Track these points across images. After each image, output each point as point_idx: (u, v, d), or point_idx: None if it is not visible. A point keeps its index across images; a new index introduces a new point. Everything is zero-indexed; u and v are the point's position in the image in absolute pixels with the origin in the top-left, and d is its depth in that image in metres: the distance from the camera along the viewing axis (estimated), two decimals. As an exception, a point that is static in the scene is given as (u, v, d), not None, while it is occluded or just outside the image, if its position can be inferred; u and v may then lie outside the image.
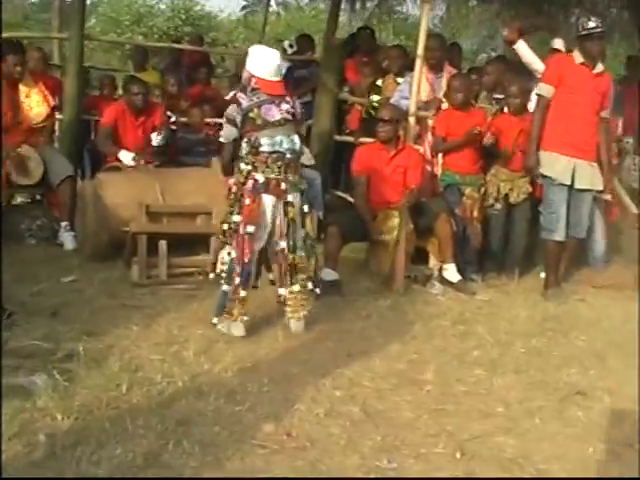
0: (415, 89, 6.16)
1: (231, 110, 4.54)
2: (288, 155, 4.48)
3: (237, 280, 4.44)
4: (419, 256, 6.01)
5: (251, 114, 4.45)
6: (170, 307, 4.93)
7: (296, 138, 4.55)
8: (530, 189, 6.07)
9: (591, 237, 6.18)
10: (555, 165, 5.63)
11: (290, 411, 3.51)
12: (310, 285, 4.65)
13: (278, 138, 4.45)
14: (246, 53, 4.69)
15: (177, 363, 3.97)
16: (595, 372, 4.31)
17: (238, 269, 4.44)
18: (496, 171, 6.11)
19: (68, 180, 6.26)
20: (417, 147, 6.28)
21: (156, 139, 6.49)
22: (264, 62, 4.54)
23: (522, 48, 6.50)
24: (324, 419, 3.48)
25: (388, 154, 5.92)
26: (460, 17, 15.78)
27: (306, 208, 4.63)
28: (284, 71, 4.68)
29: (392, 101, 6.53)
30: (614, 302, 5.75)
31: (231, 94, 4.61)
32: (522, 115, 6.02)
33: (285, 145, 4.47)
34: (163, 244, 5.48)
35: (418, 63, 6.11)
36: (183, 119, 7.37)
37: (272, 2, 17.63)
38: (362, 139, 6.96)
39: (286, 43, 9.97)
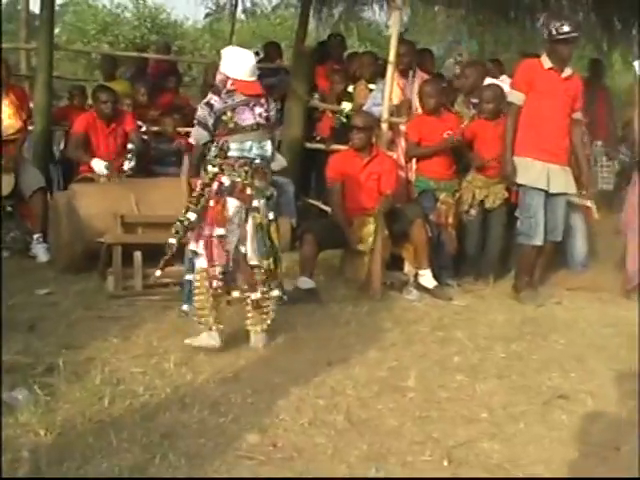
0: (387, 95, 6.17)
1: (202, 113, 4.41)
2: (257, 161, 4.41)
3: (217, 283, 4.33)
4: (394, 262, 6.03)
5: (224, 117, 4.36)
6: (147, 318, 4.88)
7: (267, 144, 4.48)
8: (506, 195, 6.10)
9: (570, 242, 6.23)
10: (530, 170, 5.67)
11: (275, 421, 3.49)
12: (277, 292, 4.56)
13: (248, 144, 4.38)
14: (214, 60, 4.62)
15: (158, 375, 3.93)
16: (576, 375, 4.33)
17: (214, 270, 4.32)
18: (472, 177, 6.13)
19: (40, 191, 6.20)
20: (390, 153, 6.31)
21: (128, 164, 6.46)
22: (239, 62, 4.44)
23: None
24: (309, 429, 3.46)
25: (362, 161, 5.92)
26: (425, 22, 15.88)
27: (271, 215, 4.53)
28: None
29: (365, 108, 6.56)
30: (590, 304, 5.83)
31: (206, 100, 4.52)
32: (497, 120, 6.05)
33: (255, 151, 4.40)
34: (138, 255, 5.43)
35: (390, 69, 6.13)
36: (154, 128, 7.31)
37: (239, 9, 17.71)
38: (334, 146, 6.98)
39: (252, 51, 9.92)
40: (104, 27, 18.70)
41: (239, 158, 4.37)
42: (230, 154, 4.37)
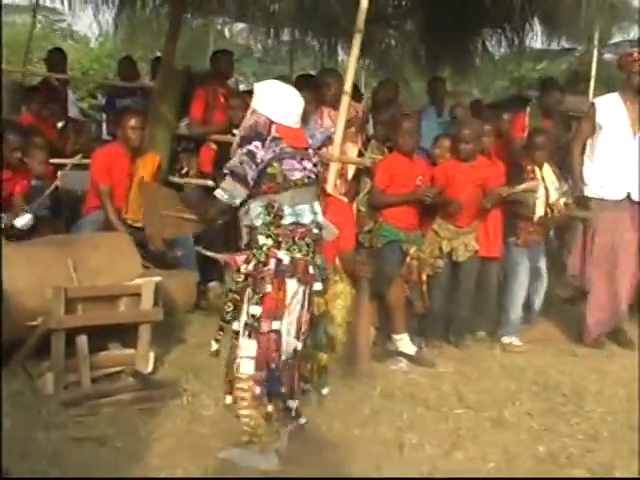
0: (340, 130, 5.27)
1: (239, 162, 3.36)
2: (315, 230, 3.48)
3: (259, 390, 3.33)
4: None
5: (270, 169, 3.35)
6: (142, 436, 3.62)
7: (317, 207, 3.53)
8: (476, 247, 5.40)
9: (534, 291, 5.80)
10: None
11: None
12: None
13: (300, 206, 3.42)
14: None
15: None
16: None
17: (260, 375, 3.33)
18: (438, 226, 5.35)
19: None
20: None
21: (21, 221, 5.03)
22: (287, 105, 3.47)
23: None
24: None
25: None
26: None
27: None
28: None
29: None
30: (578, 361, 5.44)
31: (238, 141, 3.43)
32: (473, 162, 5.38)
33: (308, 216, 3.45)
34: (83, 340, 4.08)
35: (345, 100, 5.24)
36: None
37: None
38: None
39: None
40: None
41: (296, 226, 3.39)
42: (284, 221, 3.37)
